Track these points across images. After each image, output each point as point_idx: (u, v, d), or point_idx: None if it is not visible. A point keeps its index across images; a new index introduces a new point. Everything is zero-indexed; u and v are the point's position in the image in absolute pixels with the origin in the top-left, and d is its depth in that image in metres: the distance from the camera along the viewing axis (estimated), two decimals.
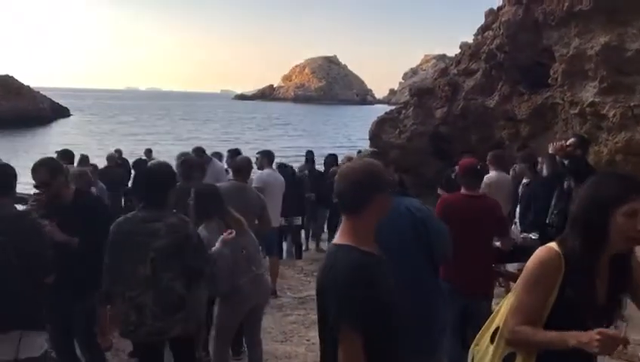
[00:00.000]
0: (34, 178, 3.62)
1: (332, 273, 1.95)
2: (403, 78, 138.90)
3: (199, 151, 7.93)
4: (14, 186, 3.15)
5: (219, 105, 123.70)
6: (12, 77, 49.57)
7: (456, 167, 7.10)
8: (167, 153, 21.40)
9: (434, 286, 2.94)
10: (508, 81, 11.09)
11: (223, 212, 3.87)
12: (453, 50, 17.63)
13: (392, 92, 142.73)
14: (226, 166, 8.40)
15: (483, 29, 12.57)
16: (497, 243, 4.17)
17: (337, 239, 2.06)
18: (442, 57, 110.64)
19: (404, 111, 13.51)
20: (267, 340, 4.87)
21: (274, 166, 7.45)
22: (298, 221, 8.80)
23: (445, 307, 3.13)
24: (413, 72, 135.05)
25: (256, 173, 6.82)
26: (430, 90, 13.09)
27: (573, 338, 1.85)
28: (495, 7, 12.16)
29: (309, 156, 10.60)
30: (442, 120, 12.36)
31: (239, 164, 5.48)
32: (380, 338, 1.97)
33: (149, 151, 13.17)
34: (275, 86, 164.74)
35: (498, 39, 11.03)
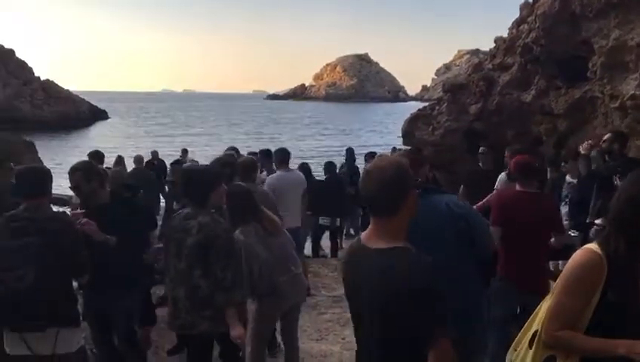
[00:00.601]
0: (70, 181, 3.77)
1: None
2: (436, 74, 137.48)
3: (232, 150, 7.94)
4: (50, 188, 3.25)
5: (251, 105, 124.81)
6: (53, 81, 51.14)
7: (480, 164, 6.99)
8: (202, 153, 21.69)
9: (478, 285, 2.93)
10: (544, 75, 10.84)
11: (259, 214, 3.86)
12: (486, 45, 17.32)
13: (425, 88, 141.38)
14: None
15: (518, 23, 12.31)
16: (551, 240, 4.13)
17: (378, 242, 1.92)
18: (476, 52, 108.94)
19: (437, 108, 13.35)
20: (303, 338, 4.90)
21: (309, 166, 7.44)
22: (335, 222, 8.79)
23: (489, 306, 3.10)
24: (447, 67, 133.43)
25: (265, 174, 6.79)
26: (464, 86, 12.90)
27: (624, 347, 1.78)
28: (530, 0, 11.90)
29: (349, 154, 10.70)
30: (477, 116, 12.16)
31: (242, 164, 5.32)
32: None
33: (184, 152, 13.43)
34: (306, 85, 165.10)
35: (534, 32, 10.78)
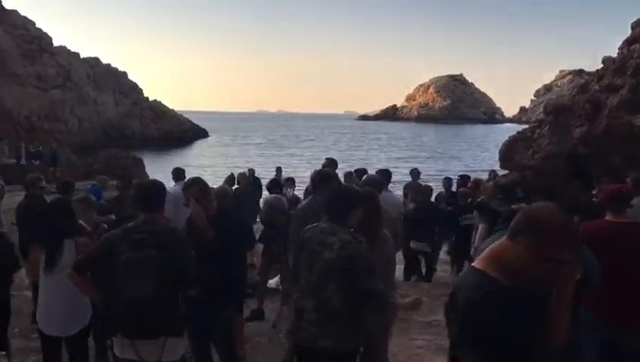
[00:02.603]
0: (185, 194, 3.95)
1: None
2: (535, 95, 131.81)
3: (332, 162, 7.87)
4: (163, 201, 3.35)
5: (343, 126, 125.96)
6: (160, 102, 54.71)
7: (595, 192, 6.57)
8: (294, 174, 22.25)
9: (578, 317, 2.77)
10: None
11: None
12: (591, 66, 16.46)
13: (523, 110, 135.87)
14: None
15: (629, 42, 11.60)
16: None
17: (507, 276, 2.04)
18: (579, 73, 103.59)
19: (538, 131, 12.81)
20: None
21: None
22: (426, 248, 8.49)
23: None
24: (547, 88, 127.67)
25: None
26: (568, 108, 12.29)
27: None
28: None
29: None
30: (582, 139, 11.53)
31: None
32: None
33: (279, 170, 13.80)
34: (398, 106, 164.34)
35: None
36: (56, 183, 8.13)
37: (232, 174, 10.87)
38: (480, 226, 6.70)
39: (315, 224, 3.42)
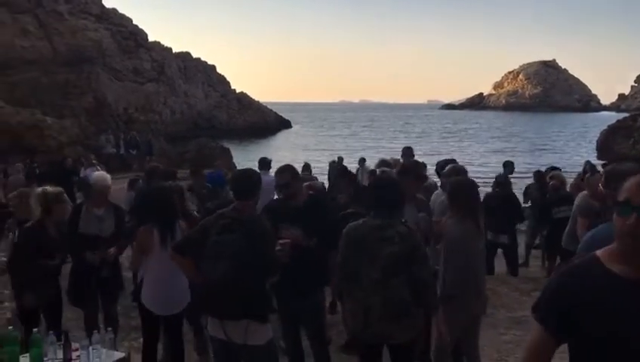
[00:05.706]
0: (277, 179, 4.07)
1: None
2: (636, 82, 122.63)
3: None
4: (257, 191, 3.45)
5: (428, 115, 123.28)
6: (246, 93, 56.23)
7: None
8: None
9: None
10: None
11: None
12: None
13: (623, 97, 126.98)
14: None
15: None
16: None
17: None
18: None
19: None
20: (482, 358, 4.72)
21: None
22: (503, 239, 8.13)
23: None
24: None
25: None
26: None
27: None
28: None
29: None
30: None
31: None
32: None
33: (362, 160, 13.81)
34: (484, 94, 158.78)
35: None
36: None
37: (307, 164, 11.03)
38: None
39: (361, 221, 3.40)
